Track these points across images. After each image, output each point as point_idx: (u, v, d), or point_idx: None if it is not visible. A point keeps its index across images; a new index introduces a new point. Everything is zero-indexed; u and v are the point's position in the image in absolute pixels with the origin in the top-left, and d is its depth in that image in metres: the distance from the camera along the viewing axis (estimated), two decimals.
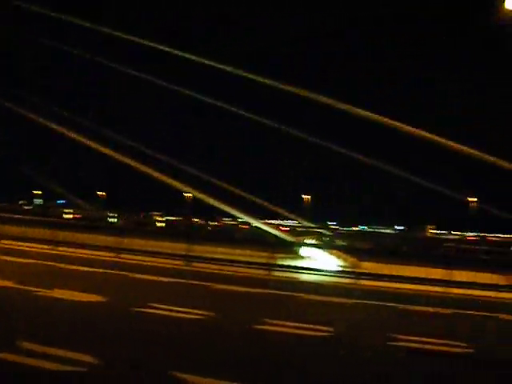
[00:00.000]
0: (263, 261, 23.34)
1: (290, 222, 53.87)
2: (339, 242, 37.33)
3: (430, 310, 16.69)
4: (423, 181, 41.88)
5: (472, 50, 55.61)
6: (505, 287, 20.91)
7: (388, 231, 77.97)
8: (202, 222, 60.23)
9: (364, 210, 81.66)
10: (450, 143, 26.83)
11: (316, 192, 75.18)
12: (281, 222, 55.96)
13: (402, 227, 79.78)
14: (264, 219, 51.45)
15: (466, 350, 11.58)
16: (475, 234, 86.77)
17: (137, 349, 9.78)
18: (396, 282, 20.26)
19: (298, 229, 45.24)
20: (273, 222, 59.43)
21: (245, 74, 29.63)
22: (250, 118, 36.85)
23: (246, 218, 33.08)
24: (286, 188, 70.05)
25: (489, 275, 22.27)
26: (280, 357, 10.07)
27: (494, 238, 67.57)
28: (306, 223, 48.93)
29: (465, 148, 26.55)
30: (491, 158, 25.96)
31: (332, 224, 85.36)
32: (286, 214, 49.65)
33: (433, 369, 10.02)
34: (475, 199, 65.43)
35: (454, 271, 21.35)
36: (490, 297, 19.77)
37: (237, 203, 34.62)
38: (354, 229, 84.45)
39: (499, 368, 10.48)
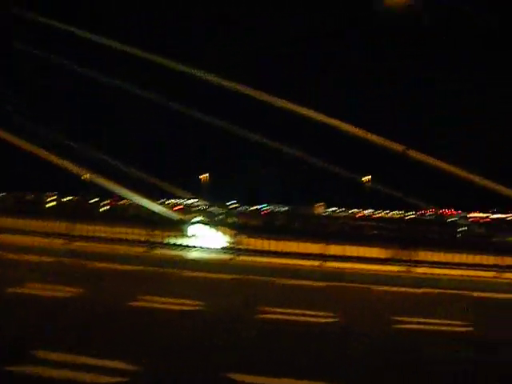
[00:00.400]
0: (146, 239, 23.21)
1: (188, 201, 53.71)
2: (231, 220, 37.58)
3: (305, 283, 17.03)
4: (318, 161, 42.33)
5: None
6: (386, 260, 21.57)
7: (284, 209, 79.40)
8: (95, 202, 59.34)
9: (262, 188, 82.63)
10: (344, 125, 27.15)
11: (217, 171, 75.17)
12: (179, 201, 55.78)
13: (299, 205, 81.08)
14: (162, 199, 51.16)
15: (334, 320, 11.95)
16: (370, 211, 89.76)
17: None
18: (278, 257, 20.52)
19: (192, 208, 45.21)
20: (172, 201, 59.26)
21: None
22: (147, 97, 36.21)
23: (136, 198, 32.71)
24: (185, 168, 69.82)
25: (373, 249, 23.03)
26: (147, 331, 10.15)
27: (384, 215, 70.32)
28: (203, 202, 48.98)
29: (358, 131, 26.94)
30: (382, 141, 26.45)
31: (232, 203, 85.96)
32: (183, 193, 49.22)
33: (298, 339, 10.34)
34: (369, 177, 67.27)
35: (337, 246, 21.86)
36: (369, 270, 20.28)
37: (132, 184, 34.15)
38: (255, 207, 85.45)
39: (362, 335, 10.93)
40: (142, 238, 23.25)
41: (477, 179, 26.41)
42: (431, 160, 25.27)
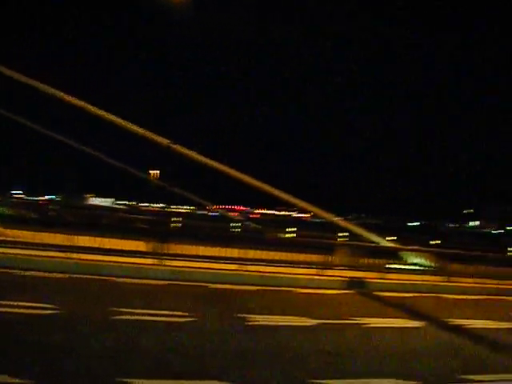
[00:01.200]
0: None
1: None
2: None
3: (48, 275, 16.83)
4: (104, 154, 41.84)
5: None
6: (142, 253, 21.54)
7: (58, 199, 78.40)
8: None
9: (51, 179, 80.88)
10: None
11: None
12: None
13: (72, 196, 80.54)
14: None
15: (55, 312, 12.18)
16: (160, 206, 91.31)
17: None
18: (32, 249, 19.86)
19: None
20: None
21: None
22: None
23: None
24: None
25: (132, 242, 23.15)
26: None
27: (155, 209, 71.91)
28: None
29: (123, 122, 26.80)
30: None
31: (17, 193, 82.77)
32: None
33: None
34: (157, 172, 68.19)
35: (91, 238, 21.62)
36: (123, 262, 19.85)
37: None
38: (41, 198, 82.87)
39: (81, 325, 11.33)
40: None
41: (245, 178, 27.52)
42: (195, 155, 25.91)
